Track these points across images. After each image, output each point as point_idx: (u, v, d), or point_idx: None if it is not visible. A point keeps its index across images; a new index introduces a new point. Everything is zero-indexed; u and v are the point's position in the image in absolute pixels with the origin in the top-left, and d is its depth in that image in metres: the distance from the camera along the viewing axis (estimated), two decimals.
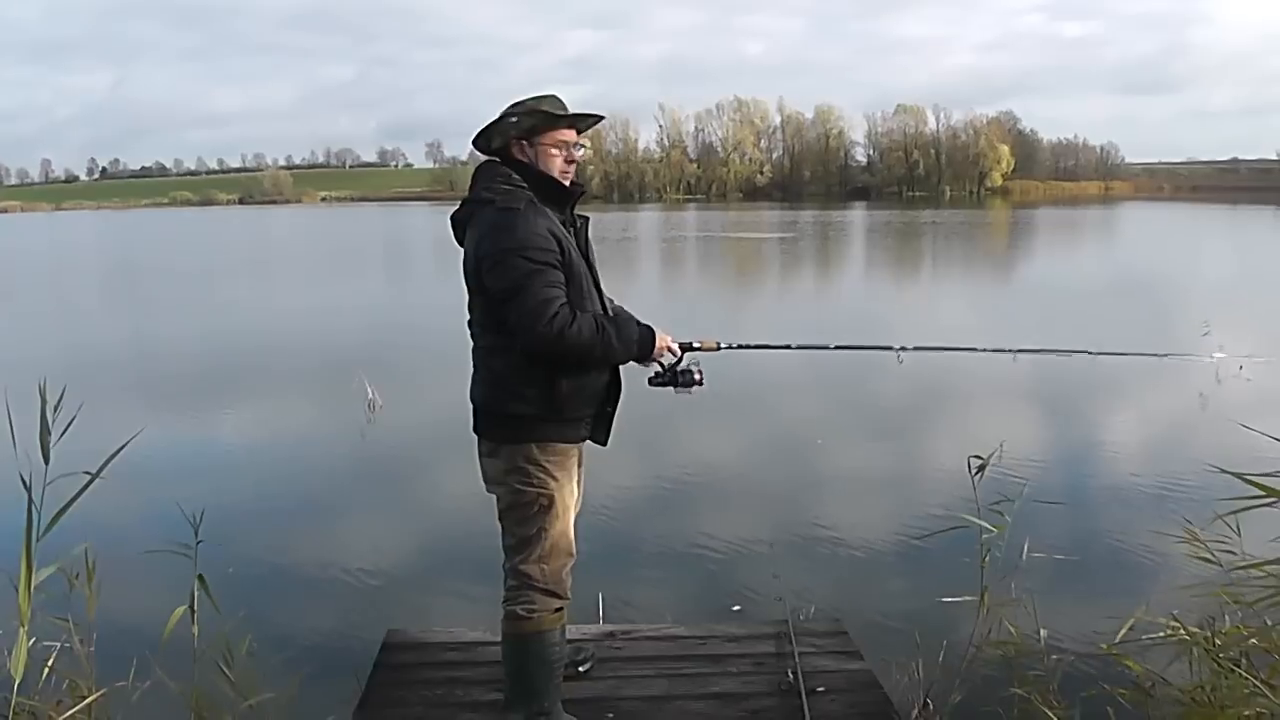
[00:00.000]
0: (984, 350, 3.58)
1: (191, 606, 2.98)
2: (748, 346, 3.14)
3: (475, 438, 2.85)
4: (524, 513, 2.75)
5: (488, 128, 2.76)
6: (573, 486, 2.83)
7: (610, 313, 2.84)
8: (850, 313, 17.16)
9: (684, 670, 3.41)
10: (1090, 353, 3.69)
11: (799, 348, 3.46)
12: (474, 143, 2.83)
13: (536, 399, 2.67)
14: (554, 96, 2.78)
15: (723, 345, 3.04)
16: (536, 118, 2.74)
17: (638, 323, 2.81)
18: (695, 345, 2.95)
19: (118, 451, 2.59)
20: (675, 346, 2.88)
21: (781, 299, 20.28)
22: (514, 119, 2.72)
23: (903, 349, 3.35)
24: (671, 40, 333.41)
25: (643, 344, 2.77)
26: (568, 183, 2.80)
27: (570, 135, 2.80)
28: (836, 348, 3.47)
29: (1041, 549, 4.15)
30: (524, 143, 2.74)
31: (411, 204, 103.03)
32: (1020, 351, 3.49)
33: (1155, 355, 3.92)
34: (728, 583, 5.22)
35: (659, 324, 2.86)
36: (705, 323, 14.04)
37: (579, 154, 2.82)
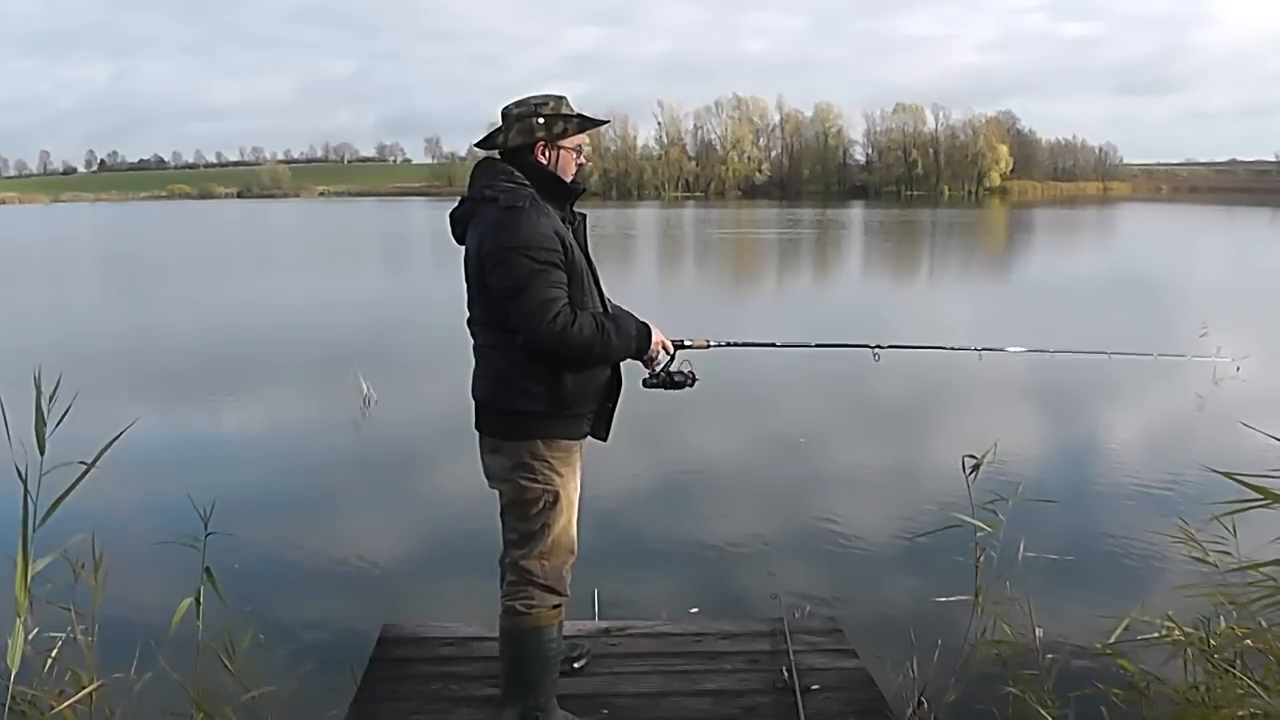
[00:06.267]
0: (952, 349, 3.79)
1: (198, 599, 2.98)
2: (736, 344, 3.23)
3: (473, 433, 2.85)
4: (529, 509, 2.76)
5: (506, 126, 2.74)
6: (576, 482, 2.84)
7: (609, 310, 2.85)
8: (842, 311, 17.18)
9: (679, 667, 3.42)
10: (1047, 351, 3.92)
11: (783, 345, 3.56)
12: (480, 143, 2.81)
13: (541, 396, 2.68)
14: (564, 98, 2.79)
15: (713, 343, 3.09)
16: (569, 123, 2.75)
17: (635, 320, 2.82)
18: (686, 343, 2.99)
19: (110, 444, 2.58)
20: (670, 344, 2.91)
21: (777, 298, 20.30)
22: (541, 120, 2.72)
23: (879, 347, 3.42)
24: (674, 38, 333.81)
25: (640, 341, 2.80)
26: (568, 180, 2.81)
27: (585, 138, 2.83)
28: (817, 345, 3.57)
29: (1037, 548, 4.15)
30: (548, 145, 2.75)
31: (410, 199, 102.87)
32: (985, 350, 3.68)
33: (1103, 354, 4.03)
34: (723, 580, 5.23)
35: (654, 322, 2.88)
36: (700, 321, 14.03)
37: (585, 154, 2.86)
